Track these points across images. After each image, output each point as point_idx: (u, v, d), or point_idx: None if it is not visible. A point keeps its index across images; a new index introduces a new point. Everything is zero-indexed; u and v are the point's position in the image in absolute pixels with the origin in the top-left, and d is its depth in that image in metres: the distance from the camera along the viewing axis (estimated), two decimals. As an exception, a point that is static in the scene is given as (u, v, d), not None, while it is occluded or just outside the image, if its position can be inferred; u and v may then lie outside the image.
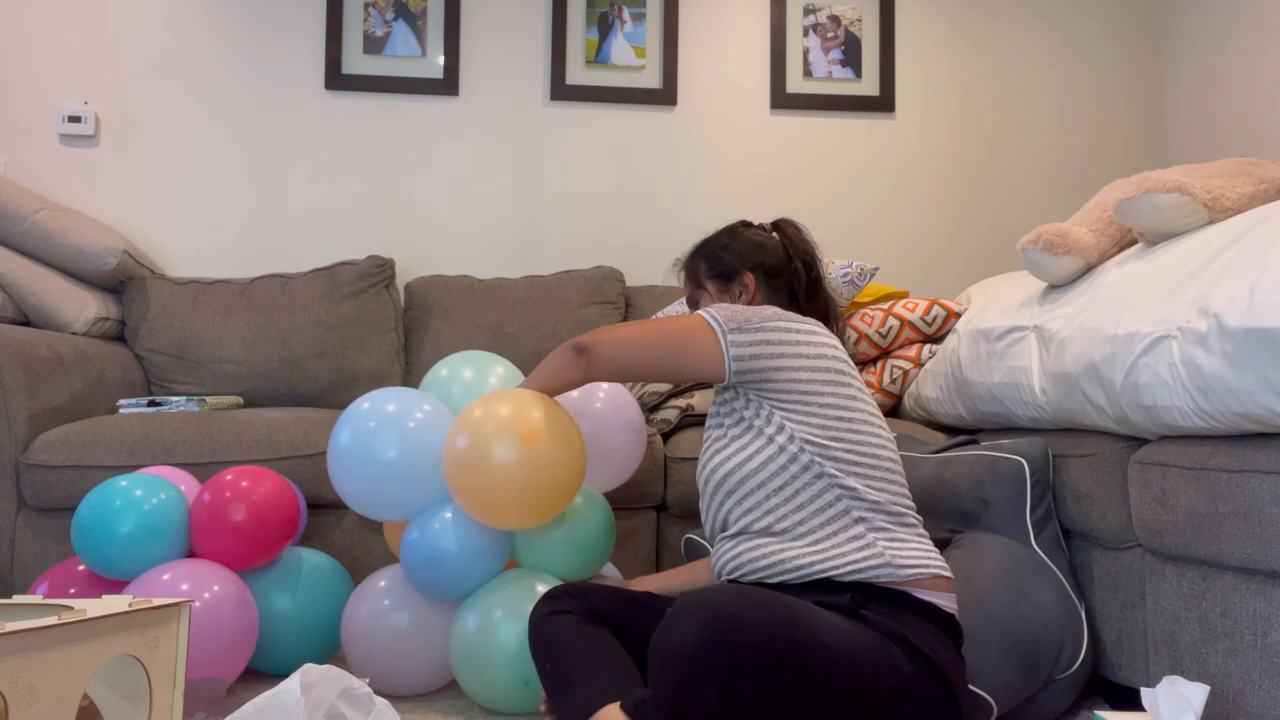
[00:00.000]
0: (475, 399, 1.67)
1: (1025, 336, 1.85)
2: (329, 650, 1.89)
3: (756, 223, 1.66)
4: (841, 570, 1.28)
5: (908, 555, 1.30)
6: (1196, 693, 1.20)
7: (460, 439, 1.53)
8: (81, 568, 1.78)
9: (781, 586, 1.31)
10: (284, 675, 1.85)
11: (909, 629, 1.23)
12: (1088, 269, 1.81)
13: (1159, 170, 1.67)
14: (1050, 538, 1.71)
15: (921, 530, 1.36)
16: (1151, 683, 1.50)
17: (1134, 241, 1.79)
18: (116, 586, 1.77)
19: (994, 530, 1.71)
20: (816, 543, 1.30)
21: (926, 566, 1.30)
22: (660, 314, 2.49)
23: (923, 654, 1.22)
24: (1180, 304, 1.41)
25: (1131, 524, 1.56)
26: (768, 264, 1.58)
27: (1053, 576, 1.65)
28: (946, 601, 1.31)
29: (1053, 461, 1.77)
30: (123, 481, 1.75)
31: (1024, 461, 1.72)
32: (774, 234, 1.63)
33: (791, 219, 1.66)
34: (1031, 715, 1.58)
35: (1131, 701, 1.59)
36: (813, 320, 1.45)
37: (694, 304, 1.62)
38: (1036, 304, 1.88)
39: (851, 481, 1.32)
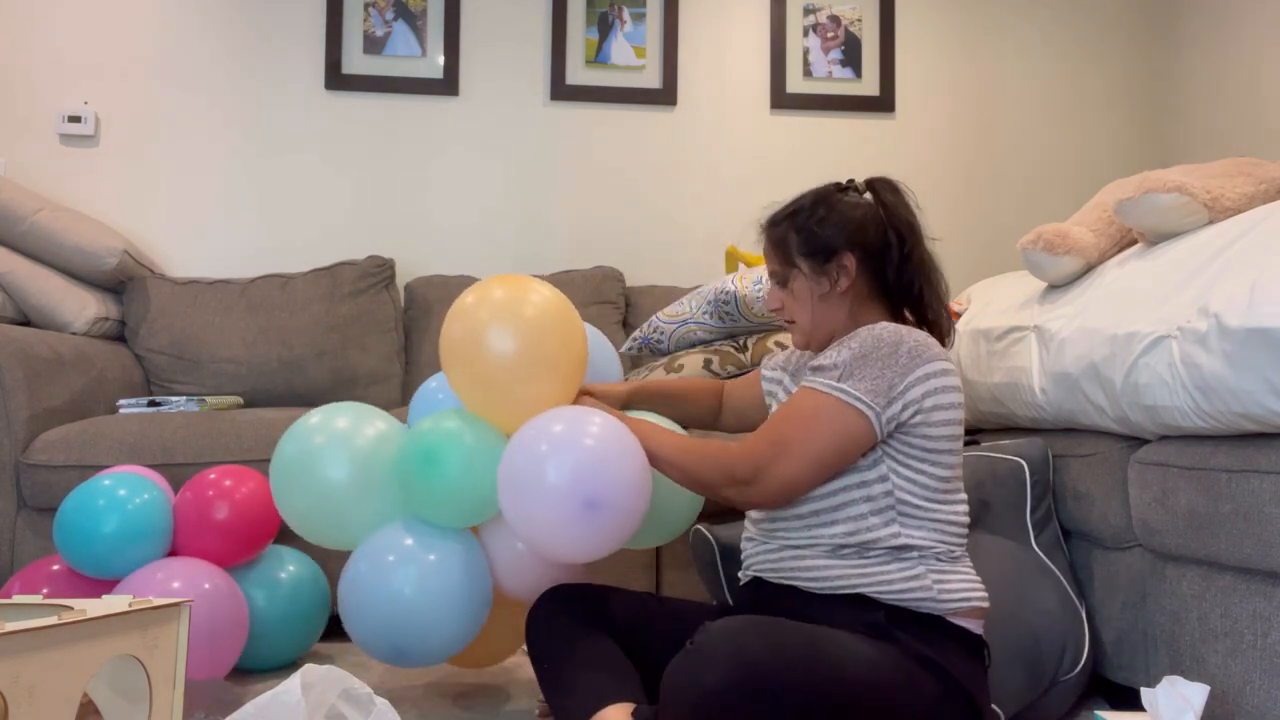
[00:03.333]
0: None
1: (1025, 336, 1.85)
2: (304, 646, 1.93)
3: (848, 182, 1.45)
4: (882, 592, 1.25)
5: (953, 587, 1.26)
6: (1196, 693, 1.20)
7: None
8: (56, 567, 1.78)
9: (811, 595, 1.28)
10: (259, 670, 1.89)
11: (941, 653, 1.21)
12: (1088, 269, 1.81)
13: (1159, 170, 1.68)
14: (1050, 538, 1.71)
15: (968, 560, 1.33)
16: (1151, 683, 1.50)
17: (1134, 241, 1.80)
18: (96, 585, 1.76)
19: (994, 531, 1.71)
20: (863, 565, 1.27)
21: (968, 600, 1.26)
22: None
23: (952, 677, 1.20)
24: (1180, 304, 1.41)
25: (1131, 524, 1.56)
26: (868, 241, 1.38)
27: (1053, 578, 1.65)
28: (977, 626, 1.29)
29: (1052, 462, 1.77)
30: (105, 480, 1.75)
31: (1024, 462, 1.72)
32: (867, 197, 1.43)
33: (889, 179, 1.45)
34: (1033, 717, 1.58)
35: (1131, 702, 1.58)
36: (939, 350, 1.31)
37: (782, 281, 1.42)
38: (1036, 304, 1.88)
39: (921, 534, 1.27)
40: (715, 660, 1.07)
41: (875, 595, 1.25)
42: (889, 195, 1.42)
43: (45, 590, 1.74)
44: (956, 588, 1.26)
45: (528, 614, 1.43)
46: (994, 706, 1.48)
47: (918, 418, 1.26)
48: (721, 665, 1.06)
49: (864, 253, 1.37)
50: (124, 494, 1.73)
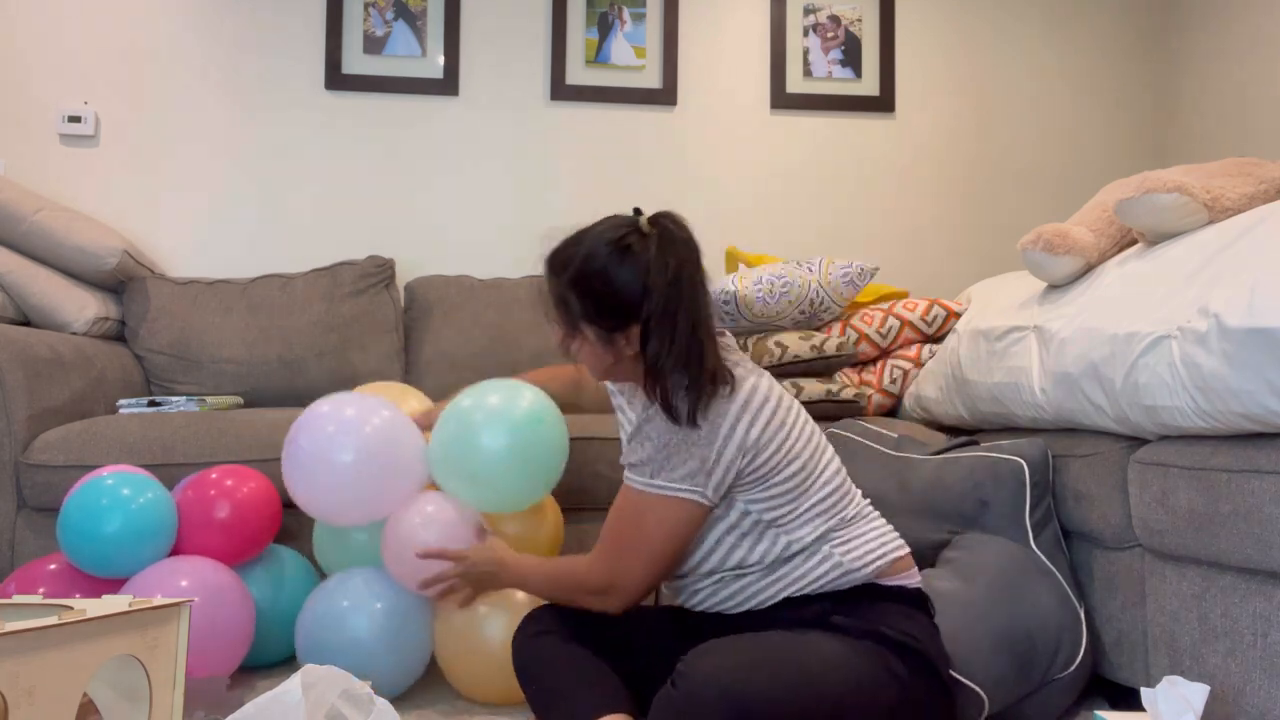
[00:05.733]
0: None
1: (1025, 336, 1.85)
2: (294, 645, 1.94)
3: (632, 216, 1.36)
4: (802, 588, 1.31)
5: (861, 553, 1.32)
6: (1196, 693, 1.20)
7: None
8: (54, 566, 1.78)
9: (749, 614, 1.34)
10: (256, 667, 1.91)
11: (882, 620, 1.27)
12: (1088, 269, 1.81)
13: (1159, 170, 1.68)
14: (1050, 539, 1.71)
15: (871, 515, 1.38)
16: (1151, 683, 1.50)
17: (1134, 241, 1.80)
18: (95, 585, 1.76)
19: (993, 531, 1.71)
20: (780, 574, 1.33)
21: (882, 557, 1.32)
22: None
23: (903, 645, 1.25)
24: (1180, 304, 1.41)
25: (1131, 524, 1.56)
26: (653, 308, 1.26)
27: (1052, 577, 1.65)
28: (910, 579, 1.35)
29: (1052, 462, 1.77)
30: (108, 480, 1.75)
31: (1023, 463, 1.72)
32: (649, 239, 1.30)
33: (673, 215, 1.34)
34: (1031, 715, 1.58)
35: (1131, 701, 1.58)
36: (752, 370, 1.30)
37: (564, 345, 1.37)
38: (1036, 304, 1.88)
39: (804, 529, 1.32)
40: (705, 694, 1.10)
41: (804, 593, 1.30)
42: (669, 234, 1.31)
43: (43, 590, 1.74)
44: (864, 552, 1.32)
45: (513, 636, 1.43)
46: (978, 690, 1.49)
47: (746, 465, 1.28)
48: (712, 699, 1.10)
49: (652, 318, 1.27)
50: (128, 493, 1.73)
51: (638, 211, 1.36)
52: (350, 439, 1.64)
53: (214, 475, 1.84)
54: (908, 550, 1.37)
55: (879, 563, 1.32)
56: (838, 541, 1.32)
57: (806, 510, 1.32)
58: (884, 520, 1.40)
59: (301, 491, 1.68)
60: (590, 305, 1.31)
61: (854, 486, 1.40)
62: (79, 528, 1.70)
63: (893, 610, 1.30)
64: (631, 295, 1.28)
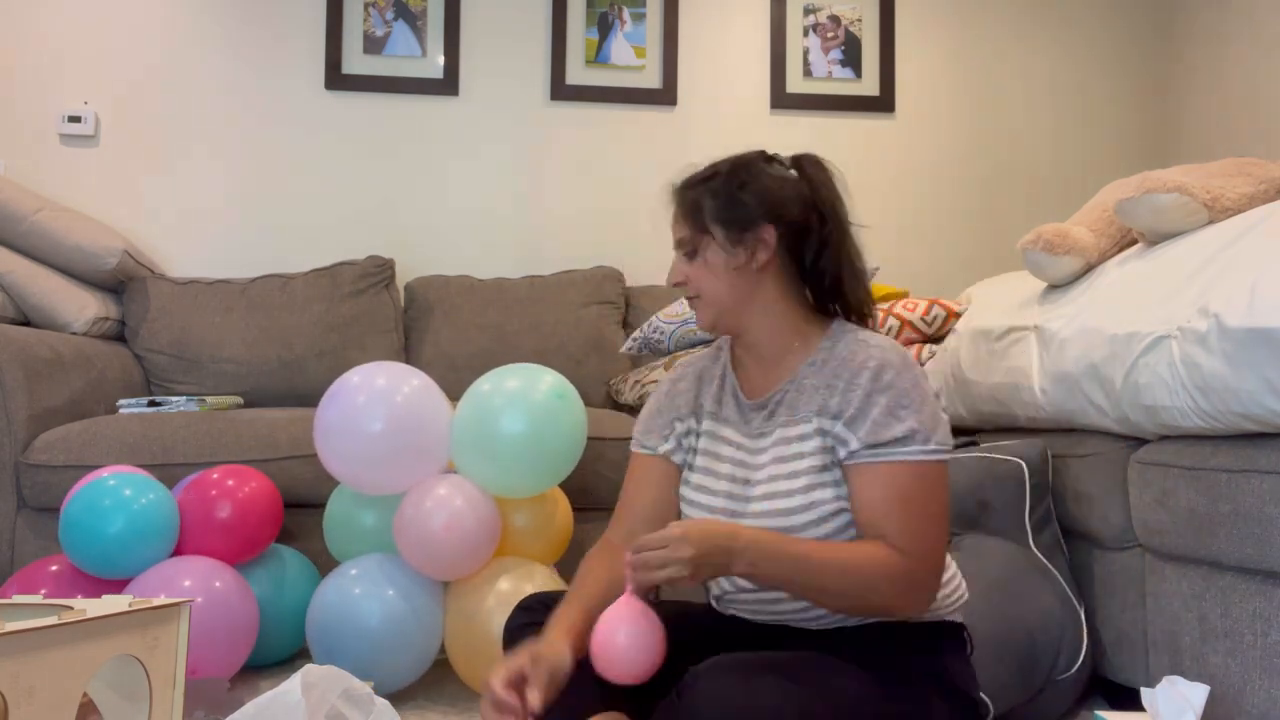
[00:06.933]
0: None
1: (1025, 336, 1.85)
2: (295, 643, 1.95)
3: (774, 154, 1.32)
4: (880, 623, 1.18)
5: (951, 586, 1.23)
6: (1196, 693, 1.20)
7: None
8: (55, 567, 1.78)
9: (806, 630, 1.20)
10: (258, 667, 1.92)
11: (935, 653, 1.19)
12: (1088, 269, 1.81)
13: (1159, 170, 1.67)
14: (1050, 539, 1.71)
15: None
16: (1151, 683, 1.49)
17: (1134, 241, 1.79)
18: (97, 586, 1.76)
19: (993, 532, 1.71)
20: None
21: (963, 595, 1.25)
22: (667, 317, 2.46)
23: (946, 676, 1.17)
24: (1180, 304, 1.41)
25: (1131, 524, 1.56)
26: (790, 216, 1.24)
27: (1051, 579, 1.65)
28: (959, 614, 1.26)
29: (1052, 463, 1.77)
30: (110, 480, 1.76)
31: (1023, 464, 1.72)
32: (792, 172, 1.30)
33: (816, 156, 1.32)
34: (1032, 716, 1.58)
35: (1131, 701, 1.58)
36: (895, 346, 1.20)
37: (691, 251, 1.26)
38: (1036, 304, 1.88)
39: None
40: (714, 709, 0.99)
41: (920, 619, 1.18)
42: (816, 172, 1.29)
43: (44, 591, 1.74)
44: (953, 586, 1.24)
45: (503, 629, 1.32)
46: (984, 697, 1.48)
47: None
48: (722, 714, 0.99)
49: (785, 228, 1.24)
50: (130, 494, 1.73)
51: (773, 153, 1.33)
52: (380, 408, 1.71)
53: (215, 475, 1.85)
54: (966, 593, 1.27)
55: (959, 602, 1.22)
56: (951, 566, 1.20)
57: None
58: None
59: (335, 462, 1.76)
60: (723, 203, 1.25)
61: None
62: (81, 528, 1.70)
63: (944, 645, 1.19)
64: (769, 195, 1.24)
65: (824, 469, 1.17)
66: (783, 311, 1.24)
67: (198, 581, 1.68)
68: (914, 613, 1.14)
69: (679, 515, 1.30)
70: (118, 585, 1.74)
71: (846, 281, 1.25)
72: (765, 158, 1.29)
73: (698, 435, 1.29)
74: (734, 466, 1.24)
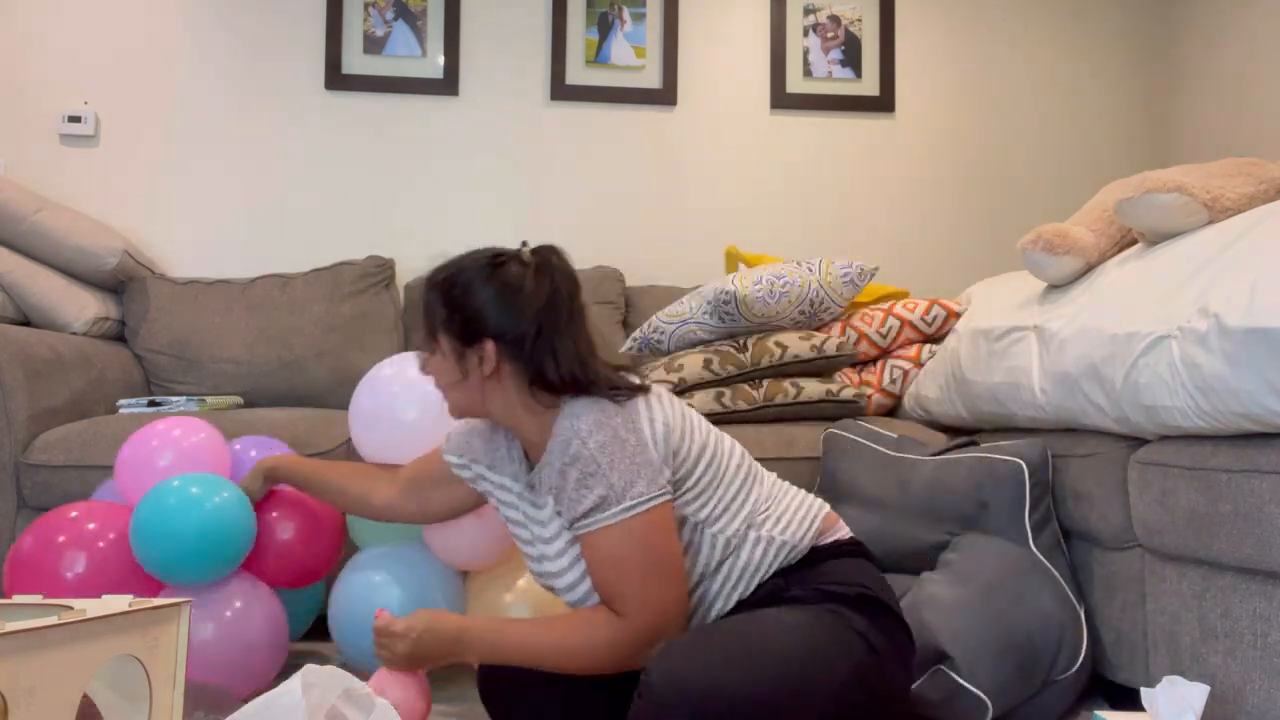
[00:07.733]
0: None
1: (1025, 336, 1.85)
2: (300, 628, 1.97)
3: (516, 252, 1.31)
4: (753, 580, 1.27)
5: (795, 523, 1.30)
6: (1196, 693, 1.20)
7: None
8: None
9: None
10: None
11: (832, 578, 1.26)
12: (1088, 269, 1.81)
13: (1159, 170, 1.68)
14: (1049, 539, 1.71)
15: (783, 484, 1.36)
16: (1151, 683, 1.50)
17: (1134, 241, 1.80)
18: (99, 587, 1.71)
19: (993, 532, 1.71)
20: (721, 571, 1.27)
21: (815, 518, 1.31)
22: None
23: (860, 597, 1.24)
24: (1180, 304, 1.41)
25: (1131, 524, 1.56)
26: (511, 333, 1.26)
27: (1051, 579, 1.65)
28: (843, 531, 1.34)
29: (1052, 463, 1.77)
30: (194, 488, 1.64)
31: (1023, 464, 1.72)
32: (532, 269, 1.28)
33: (555, 247, 1.32)
34: (1032, 716, 1.58)
35: (1131, 701, 1.59)
36: (644, 393, 1.27)
37: (430, 348, 1.33)
38: (1036, 304, 1.88)
39: (729, 523, 1.27)
40: (675, 711, 1.07)
41: (757, 584, 1.27)
42: (558, 263, 1.30)
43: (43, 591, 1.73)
44: (795, 521, 1.29)
45: (478, 669, 1.41)
46: (982, 696, 1.49)
47: (670, 449, 1.24)
48: (685, 716, 1.07)
49: (505, 344, 1.26)
50: (201, 494, 1.65)
51: (524, 244, 1.34)
52: (414, 397, 1.74)
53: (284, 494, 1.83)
54: (825, 505, 1.35)
55: (814, 525, 1.30)
56: (766, 522, 1.28)
57: (728, 499, 1.28)
58: (791, 484, 1.37)
59: (370, 450, 1.80)
60: (446, 316, 1.29)
61: (756, 462, 1.35)
62: (156, 533, 1.60)
63: (839, 566, 1.28)
64: (490, 312, 1.26)
65: (573, 541, 1.27)
66: (523, 404, 1.29)
67: (245, 603, 1.69)
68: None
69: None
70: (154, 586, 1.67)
71: (577, 373, 1.26)
72: (498, 261, 1.29)
73: (494, 485, 1.42)
74: (531, 525, 1.35)
